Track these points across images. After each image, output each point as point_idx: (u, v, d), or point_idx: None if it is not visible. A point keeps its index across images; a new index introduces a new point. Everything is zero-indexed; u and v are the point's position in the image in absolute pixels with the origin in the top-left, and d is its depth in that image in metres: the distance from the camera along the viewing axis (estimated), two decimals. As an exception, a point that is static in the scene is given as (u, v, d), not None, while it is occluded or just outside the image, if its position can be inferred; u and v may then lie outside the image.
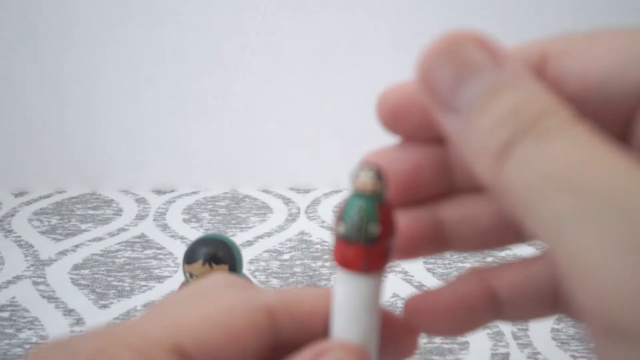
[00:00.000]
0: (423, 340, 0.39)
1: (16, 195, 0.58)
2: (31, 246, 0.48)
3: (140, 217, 0.54)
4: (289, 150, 0.59)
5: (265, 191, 0.59)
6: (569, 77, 0.16)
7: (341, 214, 0.17)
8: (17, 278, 0.43)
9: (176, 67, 0.57)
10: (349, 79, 0.57)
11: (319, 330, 0.18)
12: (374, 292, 0.18)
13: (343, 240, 0.18)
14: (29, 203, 0.57)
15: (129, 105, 0.58)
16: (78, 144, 0.59)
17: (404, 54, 0.56)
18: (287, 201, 0.57)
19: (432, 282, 0.42)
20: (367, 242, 0.18)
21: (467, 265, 0.44)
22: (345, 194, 0.20)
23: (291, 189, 0.59)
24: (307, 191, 0.58)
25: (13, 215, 0.54)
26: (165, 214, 0.54)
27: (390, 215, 0.18)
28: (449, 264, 0.44)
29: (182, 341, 0.17)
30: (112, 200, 0.57)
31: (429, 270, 0.44)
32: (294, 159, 0.59)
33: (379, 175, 0.17)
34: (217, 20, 0.56)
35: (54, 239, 0.50)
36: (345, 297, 0.18)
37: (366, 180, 0.17)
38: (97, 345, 0.16)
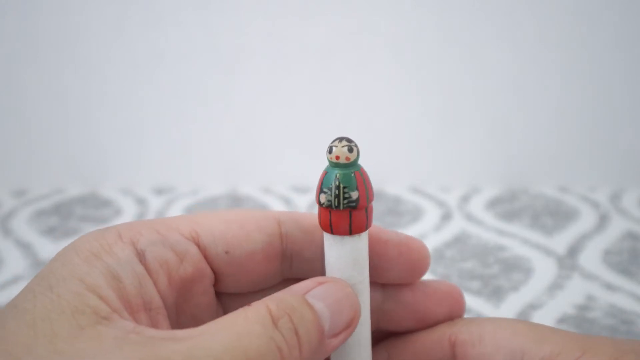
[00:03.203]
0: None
1: (15, 195, 0.58)
2: (30, 246, 0.48)
3: (141, 217, 0.54)
4: (289, 149, 0.59)
5: (266, 191, 0.58)
6: None
7: (321, 185, 0.19)
8: (17, 278, 0.43)
9: (176, 67, 0.57)
10: (349, 79, 0.57)
11: (321, 239, 0.21)
12: (361, 249, 0.20)
13: (327, 209, 0.19)
14: (28, 203, 0.57)
15: (129, 105, 0.58)
16: (78, 144, 0.59)
17: (404, 56, 0.56)
18: (287, 201, 0.56)
19: (432, 282, 0.42)
20: (350, 208, 0.19)
21: (468, 265, 0.44)
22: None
23: (292, 188, 0.59)
24: (308, 191, 0.58)
25: (12, 215, 0.54)
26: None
27: (366, 181, 0.20)
28: (450, 263, 0.44)
29: (198, 232, 0.20)
30: (112, 199, 0.57)
31: (429, 270, 0.43)
32: (295, 159, 0.59)
33: (351, 147, 0.19)
34: (217, 20, 0.56)
35: (54, 239, 0.50)
36: (335, 258, 0.20)
37: (340, 152, 0.19)
38: (127, 225, 0.20)
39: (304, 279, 0.22)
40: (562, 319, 0.37)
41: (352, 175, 0.19)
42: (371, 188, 0.20)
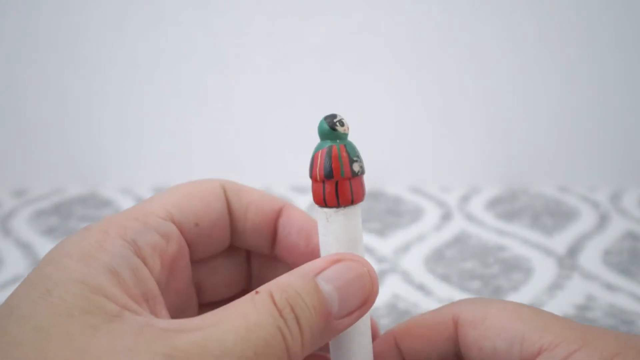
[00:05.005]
0: None
1: (15, 195, 0.58)
2: (30, 246, 0.48)
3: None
4: (289, 149, 0.59)
5: (266, 191, 0.58)
6: (472, 346, 0.21)
7: (350, 156, 0.20)
8: (16, 278, 0.43)
9: (176, 67, 0.57)
10: (349, 79, 0.57)
11: (254, 210, 0.24)
12: (360, 219, 0.21)
13: (360, 176, 0.20)
14: (28, 203, 0.57)
15: (129, 105, 0.58)
16: (78, 144, 0.59)
17: (404, 56, 0.56)
18: (287, 201, 0.56)
19: (433, 282, 0.42)
20: (361, 174, 0.20)
21: (468, 265, 0.44)
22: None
23: (292, 188, 0.59)
24: (308, 191, 0.58)
25: (12, 215, 0.54)
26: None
27: None
28: (450, 263, 0.44)
29: (171, 210, 0.22)
30: (112, 199, 0.57)
31: (429, 270, 0.43)
32: (295, 159, 0.59)
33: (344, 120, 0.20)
34: (217, 20, 0.56)
35: (54, 239, 0.50)
36: (352, 229, 0.20)
37: (347, 123, 0.20)
38: (107, 221, 0.20)
39: (239, 246, 0.25)
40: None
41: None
42: None
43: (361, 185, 0.20)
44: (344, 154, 0.20)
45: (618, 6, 0.54)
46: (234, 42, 0.56)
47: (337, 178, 0.20)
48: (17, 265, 0.45)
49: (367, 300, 0.20)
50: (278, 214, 0.25)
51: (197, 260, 0.24)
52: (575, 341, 0.19)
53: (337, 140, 0.20)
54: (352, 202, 0.20)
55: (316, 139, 0.21)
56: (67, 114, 0.59)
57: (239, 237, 0.25)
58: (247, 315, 0.17)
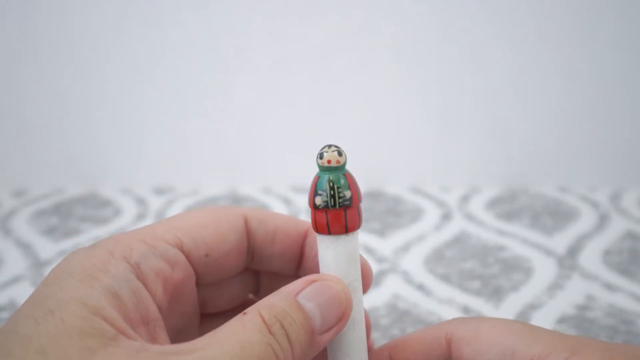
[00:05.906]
0: None
1: (15, 195, 0.58)
2: (30, 246, 0.48)
3: (141, 217, 0.54)
4: (289, 150, 0.59)
5: (266, 191, 0.58)
6: None
7: (315, 189, 0.21)
8: (17, 278, 0.43)
9: (176, 67, 0.57)
10: (349, 79, 0.57)
11: (282, 236, 0.24)
12: (355, 248, 0.21)
13: (322, 210, 0.21)
14: (28, 203, 0.57)
15: (129, 105, 0.58)
16: (78, 144, 0.59)
17: (404, 56, 0.56)
18: (287, 201, 0.56)
19: (433, 282, 0.42)
20: (344, 207, 0.21)
21: (468, 265, 0.44)
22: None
23: (292, 188, 0.59)
24: (307, 191, 0.58)
25: (12, 215, 0.54)
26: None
27: (355, 182, 0.21)
28: (450, 263, 0.44)
29: (181, 238, 0.22)
30: (112, 199, 0.57)
31: (429, 270, 0.43)
32: (295, 159, 0.59)
33: (340, 151, 0.21)
34: (217, 20, 0.56)
35: (54, 239, 0.50)
36: (331, 258, 0.21)
37: (331, 156, 0.21)
38: (114, 240, 0.20)
39: (262, 270, 0.25)
40: (562, 319, 0.37)
41: (344, 176, 0.21)
42: (359, 189, 0.21)
43: (324, 218, 0.21)
44: (312, 187, 0.21)
45: (618, 6, 0.54)
46: (234, 42, 0.56)
47: (309, 206, 0.21)
48: (17, 265, 0.45)
49: (343, 315, 0.21)
50: (304, 236, 0.25)
51: (204, 284, 0.24)
52: (565, 350, 0.19)
53: (319, 172, 0.21)
54: (317, 230, 0.21)
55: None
56: (67, 114, 0.59)
57: (264, 262, 0.25)
58: (239, 334, 0.18)
